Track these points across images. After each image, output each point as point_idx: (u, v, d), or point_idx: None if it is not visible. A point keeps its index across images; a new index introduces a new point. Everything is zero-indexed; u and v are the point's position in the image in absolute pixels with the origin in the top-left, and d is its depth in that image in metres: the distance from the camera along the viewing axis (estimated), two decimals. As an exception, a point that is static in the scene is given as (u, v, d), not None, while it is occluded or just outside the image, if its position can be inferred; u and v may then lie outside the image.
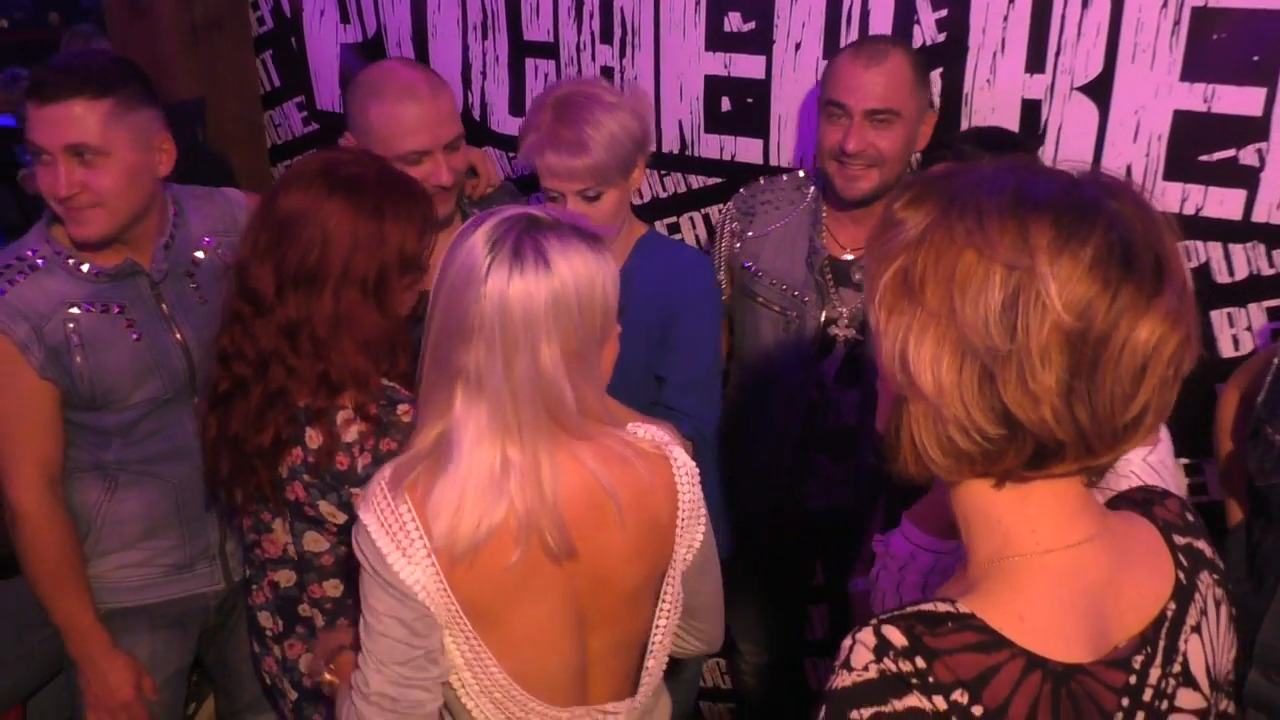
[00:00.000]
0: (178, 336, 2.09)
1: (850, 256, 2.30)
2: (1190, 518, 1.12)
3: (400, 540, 1.37)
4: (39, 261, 1.99)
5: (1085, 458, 0.93)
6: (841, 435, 2.37)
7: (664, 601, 1.53)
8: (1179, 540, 1.08)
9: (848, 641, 0.95)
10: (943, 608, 0.94)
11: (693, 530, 1.51)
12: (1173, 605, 1.03)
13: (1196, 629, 1.04)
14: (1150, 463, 1.61)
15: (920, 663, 0.91)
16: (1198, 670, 1.03)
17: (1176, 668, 1.01)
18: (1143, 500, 1.12)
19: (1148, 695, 0.99)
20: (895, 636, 0.92)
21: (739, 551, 2.47)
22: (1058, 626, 0.95)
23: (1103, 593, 0.98)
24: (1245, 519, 2.03)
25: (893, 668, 0.91)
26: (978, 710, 0.91)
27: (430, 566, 1.37)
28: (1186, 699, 1.02)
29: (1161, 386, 0.91)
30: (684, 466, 1.49)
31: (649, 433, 1.49)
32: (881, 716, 0.90)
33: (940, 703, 0.90)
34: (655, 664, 1.58)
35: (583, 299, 1.35)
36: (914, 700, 0.90)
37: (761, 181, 2.44)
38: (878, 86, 2.10)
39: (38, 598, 2.08)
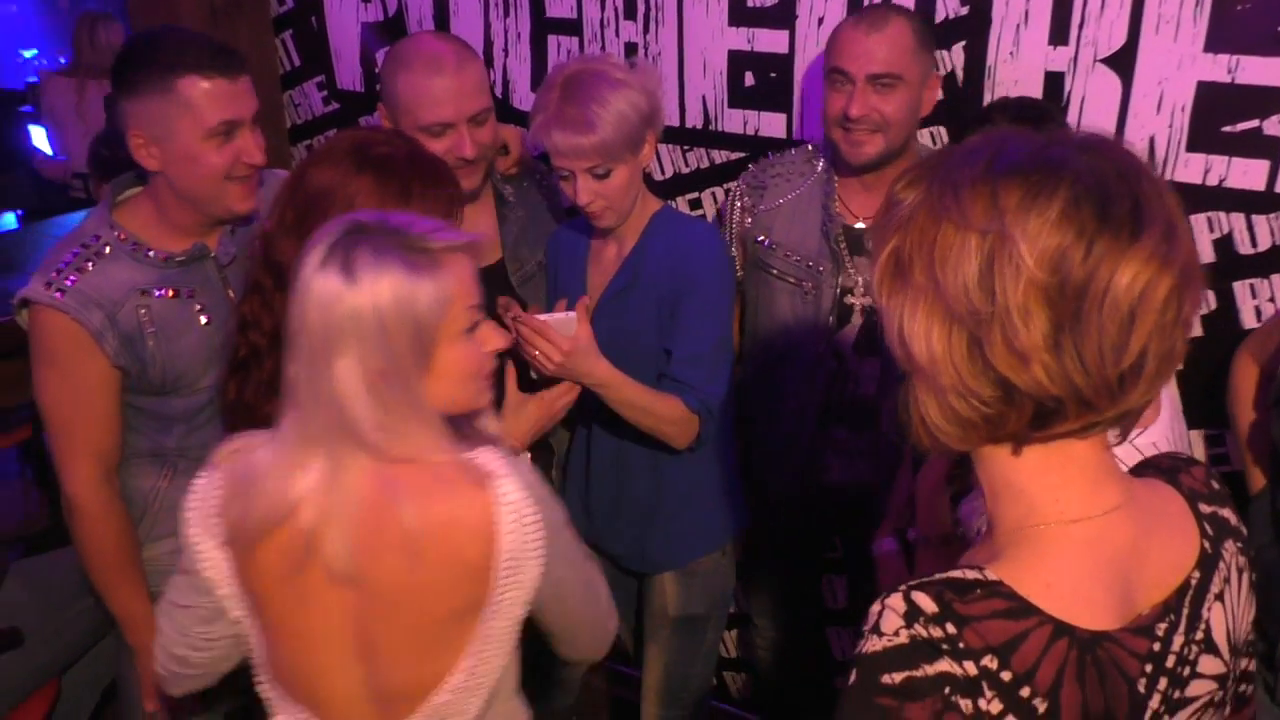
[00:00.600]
0: None
1: (863, 225, 2.32)
2: (1215, 485, 1.13)
3: (202, 509, 1.45)
4: (105, 249, 1.99)
5: (1087, 413, 0.94)
6: (860, 406, 2.38)
7: (467, 656, 1.42)
8: (1204, 509, 1.10)
9: (876, 607, 0.96)
10: (971, 575, 0.96)
11: (523, 572, 1.38)
12: (1197, 574, 1.05)
13: (1220, 597, 1.06)
14: (1137, 445, 1.62)
15: (950, 629, 0.93)
16: (1219, 637, 1.06)
17: (1199, 635, 1.03)
18: (1169, 468, 1.13)
19: (1170, 662, 1.01)
20: (925, 603, 0.94)
21: (757, 527, 2.51)
22: (1084, 594, 0.97)
23: (1128, 560, 1.00)
24: (1269, 486, 2.06)
25: (923, 633, 0.92)
26: (1006, 675, 0.93)
27: (215, 542, 1.44)
28: (1207, 665, 1.05)
29: (1158, 332, 0.91)
30: (511, 506, 1.35)
31: (479, 466, 1.38)
32: (913, 681, 0.92)
33: (970, 668, 0.92)
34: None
35: (386, 318, 1.29)
36: (945, 665, 0.92)
37: (770, 156, 2.46)
38: (879, 51, 2.13)
39: (95, 587, 2.09)
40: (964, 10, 2.34)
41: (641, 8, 2.66)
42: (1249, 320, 2.24)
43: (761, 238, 2.37)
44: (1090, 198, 0.89)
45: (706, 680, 2.52)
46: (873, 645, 0.94)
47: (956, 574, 0.96)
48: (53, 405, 2.00)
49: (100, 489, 2.02)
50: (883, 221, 1.00)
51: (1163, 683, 1.00)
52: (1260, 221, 2.17)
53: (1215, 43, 2.11)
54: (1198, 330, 2.23)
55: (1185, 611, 1.03)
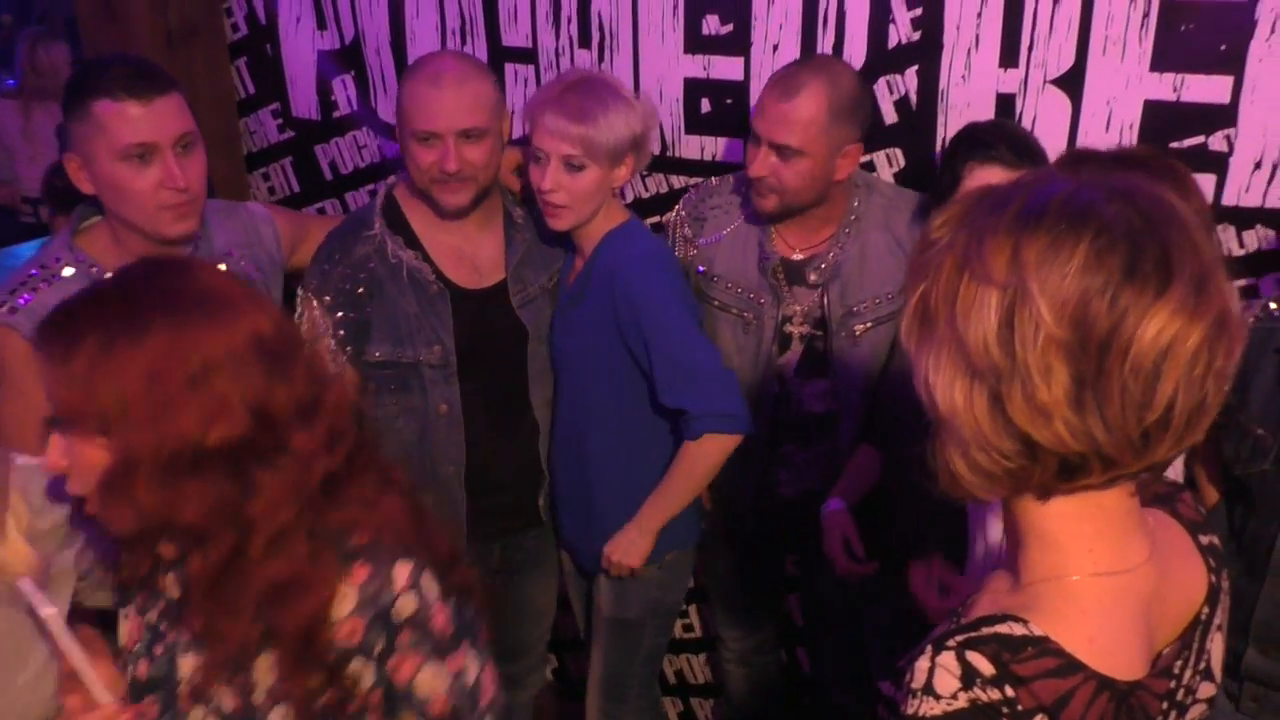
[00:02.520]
0: None
1: (800, 257, 2.37)
2: (1202, 510, 1.15)
3: None
4: (64, 270, 1.98)
5: (1111, 468, 0.92)
6: (807, 423, 2.44)
7: None
8: (1203, 539, 1.11)
9: (925, 663, 0.94)
10: (1019, 630, 0.95)
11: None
12: (1206, 609, 1.07)
13: (1220, 627, 1.09)
14: None
15: (1009, 691, 0.92)
16: (1215, 664, 1.08)
17: (1202, 665, 1.06)
18: (1166, 495, 1.13)
19: (1180, 694, 1.03)
20: (982, 664, 0.92)
21: (711, 543, 2.56)
22: (1123, 647, 0.97)
23: (1152, 607, 1.01)
24: (1225, 504, 2.07)
25: (982, 697, 0.91)
26: None
27: None
28: (1204, 690, 1.07)
29: (1186, 386, 0.88)
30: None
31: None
32: None
33: None
34: None
35: None
36: None
37: (713, 182, 2.50)
38: (784, 121, 2.16)
39: None
40: (916, 35, 2.38)
41: (596, 36, 2.67)
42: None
43: (702, 268, 2.42)
44: (1115, 249, 0.87)
45: (648, 683, 2.57)
46: (930, 708, 0.92)
47: (1004, 629, 0.95)
48: (5, 423, 1.96)
49: None
50: (915, 263, 0.98)
51: (1173, 716, 1.02)
52: (1209, 235, 2.21)
53: (1161, 62, 2.16)
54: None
55: (1195, 646, 1.05)
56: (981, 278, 0.90)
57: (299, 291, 2.27)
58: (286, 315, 1.32)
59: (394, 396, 2.28)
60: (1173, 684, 1.01)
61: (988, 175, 2.01)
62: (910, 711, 0.94)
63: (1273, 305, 1.93)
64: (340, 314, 2.23)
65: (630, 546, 2.29)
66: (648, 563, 2.34)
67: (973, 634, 0.94)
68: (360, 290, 2.23)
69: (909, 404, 1.14)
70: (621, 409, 2.29)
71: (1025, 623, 0.95)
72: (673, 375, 2.17)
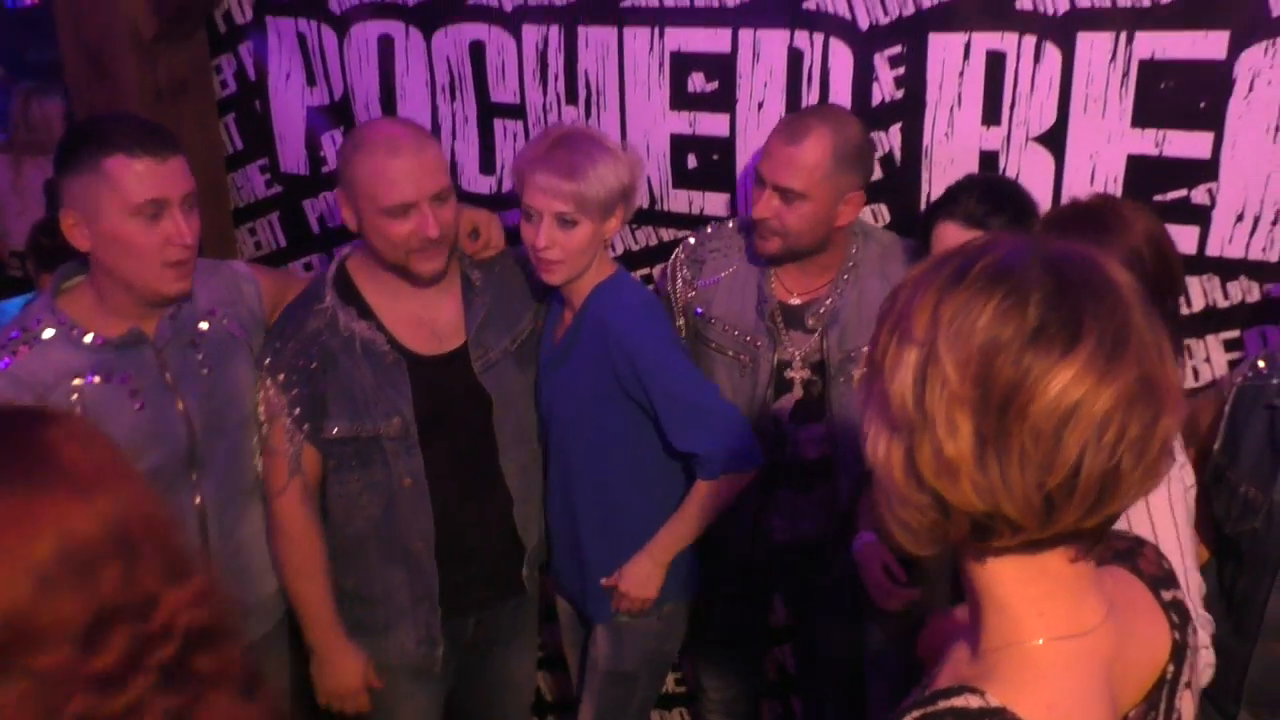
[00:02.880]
0: (180, 407, 2.06)
1: (798, 301, 2.37)
2: (1166, 565, 1.13)
3: None
4: (45, 333, 1.97)
5: (1020, 533, 0.91)
6: (802, 468, 2.42)
7: None
8: (1165, 595, 1.09)
9: None
10: (975, 703, 0.92)
11: None
12: (1171, 667, 1.05)
13: (1189, 684, 1.07)
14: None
15: None
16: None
17: None
18: (1126, 551, 1.12)
19: None
20: None
21: (705, 593, 2.52)
22: (1085, 713, 0.96)
23: (1113, 668, 0.99)
24: (1215, 561, 2.05)
25: None
26: None
27: None
28: None
29: (1094, 451, 0.86)
30: None
31: None
32: None
33: None
34: None
35: None
36: None
37: (709, 229, 2.51)
38: (790, 165, 2.18)
39: None
40: (899, 94, 2.41)
41: (583, 93, 2.70)
42: (1187, 380, 2.29)
43: (700, 310, 2.42)
44: (1023, 308, 0.87)
45: None
46: None
47: (960, 702, 0.93)
48: None
49: None
50: (878, 318, 1.00)
51: None
52: (1194, 283, 2.23)
53: (1142, 118, 2.18)
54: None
55: (1162, 706, 1.04)
56: (905, 335, 0.92)
57: (257, 370, 2.22)
58: (152, 499, 1.07)
59: (356, 473, 2.23)
60: None
61: (946, 230, 2.07)
62: None
63: (1261, 364, 1.93)
64: (295, 391, 2.17)
65: (645, 579, 2.28)
66: (646, 614, 2.33)
67: (929, 709, 0.93)
68: (314, 365, 2.17)
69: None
70: (614, 461, 2.28)
71: (982, 694, 0.93)
72: (682, 419, 2.18)
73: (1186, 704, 1.06)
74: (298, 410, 2.17)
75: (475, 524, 2.32)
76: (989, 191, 2.13)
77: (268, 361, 2.19)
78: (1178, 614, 1.07)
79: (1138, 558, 1.11)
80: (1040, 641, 0.95)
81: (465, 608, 2.36)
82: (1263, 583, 1.87)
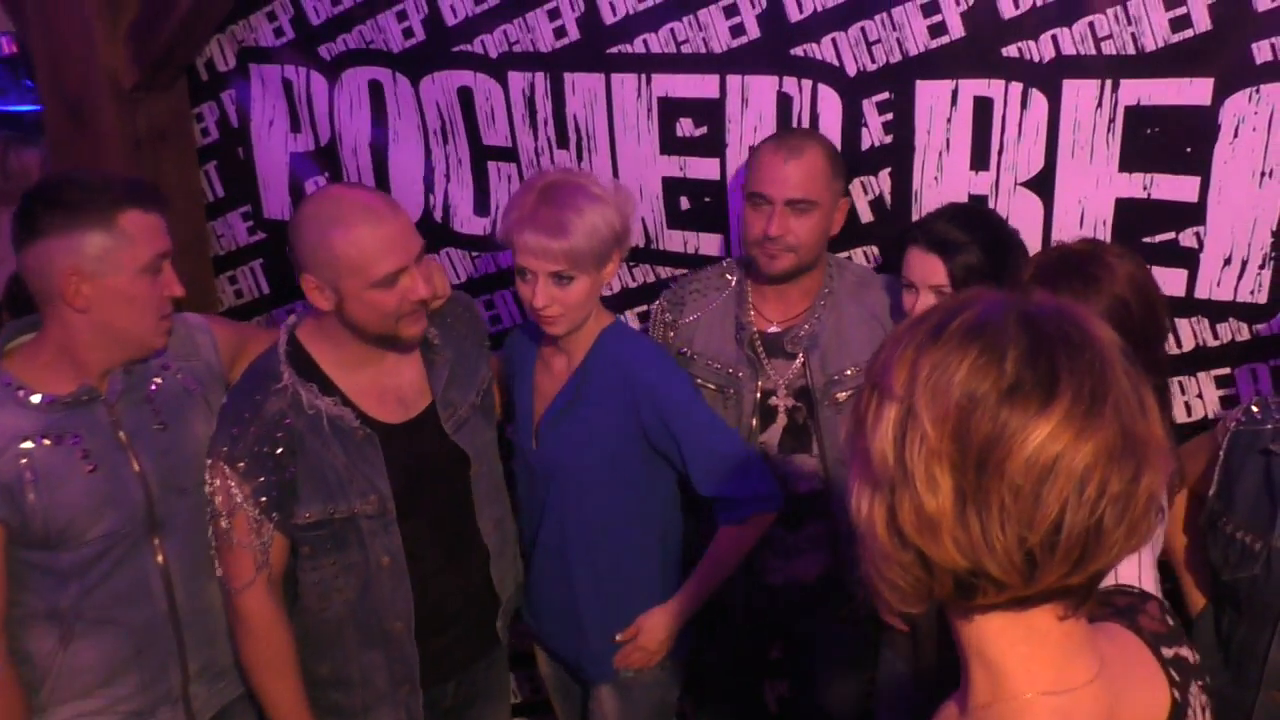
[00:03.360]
0: (135, 467, 1.99)
1: (777, 329, 2.39)
2: (1171, 621, 1.12)
3: None
4: None
5: (1004, 590, 0.90)
6: (794, 504, 2.39)
7: None
8: (1166, 652, 1.08)
9: None
10: None
11: None
12: None
13: None
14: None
15: None
16: None
17: None
18: (1126, 608, 1.11)
19: None
20: None
21: (703, 636, 2.49)
22: None
23: None
24: (1212, 609, 2.06)
25: None
26: None
27: None
28: None
29: (1075, 507, 0.86)
30: None
31: None
32: None
33: None
34: None
35: None
36: None
37: (689, 273, 2.54)
38: (796, 178, 2.24)
39: None
40: (888, 139, 2.44)
41: (573, 137, 2.71)
42: (1180, 415, 2.33)
43: (684, 349, 2.43)
44: (1000, 364, 0.87)
45: None
46: None
47: None
48: None
49: None
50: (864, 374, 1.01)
51: None
52: (1183, 324, 2.27)
53: (1130, 163, 2.23)
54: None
55: None
56: (884, 391, 0.92)
57: (208, 460, 2.06)
58: None
59: (330, 556, 2.11)
60: None
61: (912, 255, 2.20)
62: None
63: (1255, 409, 1.94)
64: (261, 479, 2.02)
65: (665, 632, 2.26)
66: (650, 668, 2.31)
67: None
68: (280, 451, 2.02)
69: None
70: (623, 510, 2.25)
71: None
72: (713, 467, 2.18)
73: None
74: (264, 499, 2.02)
75: (454, 591, 2.24)
76: (957, 216, 2.20)
77: (224, 450, 2.03)
78: (1179, 671, 1.06)
79: (1139, 614, 1.10)
80: (1028, 696, 0.94)
81: (445, 674, 2.29)
82: (1264, 631, 1.87)
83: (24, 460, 1.88)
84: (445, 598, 2.22)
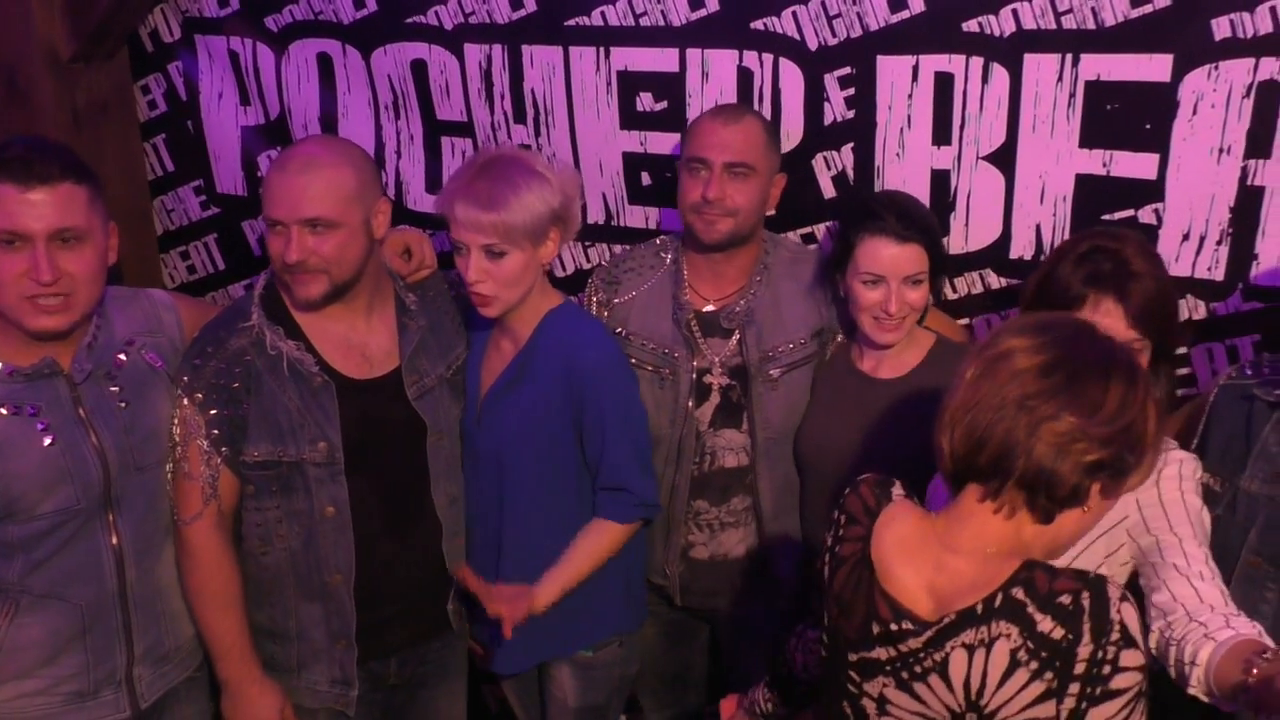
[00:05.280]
0: (94, 441, 1.96)
1: (713, 307, 2.39)
2: (1063, 601, 1.28)
3: None
4: None
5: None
6: (720, 477, 2.42)
7: None
8: (1016, 595, 1.31)
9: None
10: None
11: None
12: (954, 616, 1.33)
13: (969, 648, 1.31)
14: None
15: None
16: (955, 676, 1.32)
17: (937, 657, 1.34)
18: (1036, 564, 1.34)
19: (904, 648, 1.37)
20: None
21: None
22: (896, 553, 1.43)
23: (929, 583, 1.39)
24: None
25: None
26: None
27: None
28: (937, 685, 1.35)
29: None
30: None
31: None
32: None
33: None
34: None
35: None
36: None
37: (621, 252, 2.52)
38: (735, 142, 2.25)
39: None
40: (850, 114, 2.43)
41: (530, 112, 2.67)
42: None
43: (619, 329, 2.41)
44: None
45: None
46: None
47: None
48: None
49: None
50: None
51: (891, 651, 1.39)
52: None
53: (1090, 139, 2.24)
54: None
55: (929, 634, 1.34)
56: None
57: (173, 389, 2.11)
58: None
59: (275, 499, 2.13)
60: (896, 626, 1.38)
61: (878, 245, 2.13)
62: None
63: (1246, 368, 1.98)
64: (214, 411, 2.07)
65: (519, 603, 2.11)
66: (603, 641, 2.31)
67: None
68: (236, 385, 2.08)
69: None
70: (553, 494, 2.24)
71: None
72: (627, 458, 2.17)
73: (957, 659, 1.32)
74: (215, 432, 2.07)
75: (399, 559, 2.23)
76: (907, 208, 2.19)
77: (185, 380, 2.08)
78: (1008, 609, 1.30)
79: (1038, 574, 1.32)
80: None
81: (387, 648, 2.28)
82: (1224, 569, 1.92)
83: None
84: (388, 564, 2.22)
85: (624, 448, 2.17)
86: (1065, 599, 1.28)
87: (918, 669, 1.36)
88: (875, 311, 2.18)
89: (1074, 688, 1.27)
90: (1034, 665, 1.28)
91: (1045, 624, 1.28)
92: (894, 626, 1.38)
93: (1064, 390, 1.29)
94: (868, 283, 2.17)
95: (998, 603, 1.31)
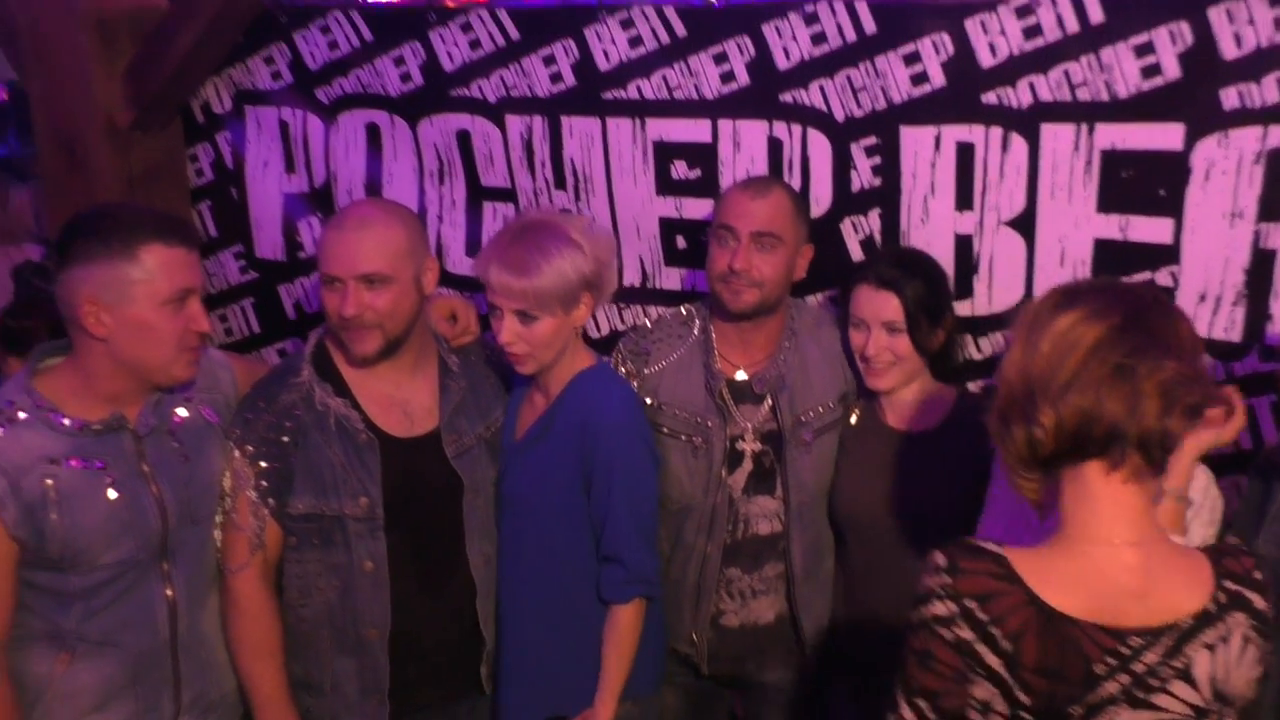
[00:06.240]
0: (155, 494, 2.04)
1: (744, 376, 2.45)
2: (1258, 575, 1.39)
3: None
4: (19, 414, 1.95)
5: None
6: (753, 545, 2.45)
7: None
8: (1230, 586, 1.37)
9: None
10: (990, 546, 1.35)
11: None
12: (1190, 621, 1.33)
13: (1210, 647, 1.33)
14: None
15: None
16: (1200, 674, 1.33)
17: (1178, 664, 1.32)
18: (1215, 549, 1.43)
19: (1138, 668, 1.31)
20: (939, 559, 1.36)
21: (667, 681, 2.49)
22: (1068, 586, 1.32)
23: (1126, 589, 1.33)
24: None
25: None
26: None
27: None
28: (1181, 690, 1.33)
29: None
30: None
31: None
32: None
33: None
34: None
35: None
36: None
37: (648, 323, 2.60)
38: (763, 213, 2.33)
39: None
40: (877, 181, 2.54)
41: (571, 179, 2.79)
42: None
43: (649, 400, 2.46)
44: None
45: None
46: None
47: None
48: None
49: None
50: None
51: (1124, 678, 1.30)
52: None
53: (1107, 204, 2.34)
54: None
55: (1166, 641, 1.32)
56: None
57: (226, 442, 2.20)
58: None
59: (317, 552, 2.20)
60: (1124, 649, 1.31)
61: (861, 291, 2.34)
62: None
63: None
64: (263, 464, 2.16)
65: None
66: (621, 700, 2.30)
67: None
68: (285, 439, 2.17)
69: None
70: (566, 547, 2.27)
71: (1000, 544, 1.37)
72: (627, 528, 2.21)
73: (1201, 659, 1.33)
74: (264, 484, 2.16)
75: (434, 616, 2.28)
76: (899, 256, 2.38)
77: (237, 433, 2.18)
78: (1232, 601, 1.36)
79: (1227, 557, 1.40)
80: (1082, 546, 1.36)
81: (418, 706, 2.30)
82: None
83: (50, 480, 1.92)
84: (422, 621, 2.26)
85: (625, 517, 2.21)
86: (1256, 573, 1.40)
87: (1155, 682, 1.32)
88: (861, 355, 2.33)
89: (1271, 644, 1.40)
90: (1260, 640, 1.38)
91: (1259, 601, 1.38)
92: (1123, 650, 1.32)
93: (1151, 342, 1.31)
94: (855, 326, 2.34)
95: (1223, 599, 1.36)
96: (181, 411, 2.13)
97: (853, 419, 2.46)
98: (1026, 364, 1.36)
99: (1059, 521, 1.39)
